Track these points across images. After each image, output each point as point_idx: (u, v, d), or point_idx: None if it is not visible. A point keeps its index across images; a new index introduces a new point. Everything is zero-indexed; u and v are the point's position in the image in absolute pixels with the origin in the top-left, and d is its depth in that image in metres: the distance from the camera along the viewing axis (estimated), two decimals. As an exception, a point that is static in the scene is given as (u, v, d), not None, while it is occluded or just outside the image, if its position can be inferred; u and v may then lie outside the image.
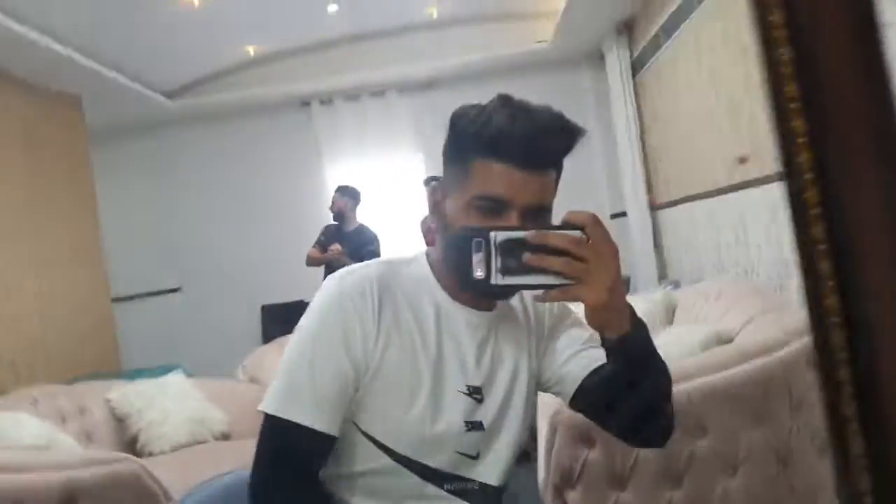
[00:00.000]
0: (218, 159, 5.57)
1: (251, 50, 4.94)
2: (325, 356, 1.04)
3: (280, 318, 5.16)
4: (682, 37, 3.93)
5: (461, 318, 1.11)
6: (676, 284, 4.09)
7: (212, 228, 5.57)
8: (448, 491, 1.10)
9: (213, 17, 4.12)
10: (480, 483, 1.11)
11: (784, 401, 1.93)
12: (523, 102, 1.02)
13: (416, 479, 1.08)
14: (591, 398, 1.10)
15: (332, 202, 4.53)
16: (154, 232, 5.50)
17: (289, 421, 1.02)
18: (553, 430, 1.94)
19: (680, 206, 4.44)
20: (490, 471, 1.12)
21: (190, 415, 2.92)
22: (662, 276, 4.79)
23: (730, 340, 2.27)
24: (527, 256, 0.92)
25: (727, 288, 2.80)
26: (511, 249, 0.93)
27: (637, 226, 4.95)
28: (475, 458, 1.10)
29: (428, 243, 0.97)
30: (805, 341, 1.98)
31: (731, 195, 3.56)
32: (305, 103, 5.56)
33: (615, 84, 4.94)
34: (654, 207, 4.94)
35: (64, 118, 4.34)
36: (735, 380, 1.91)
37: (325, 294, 1.07)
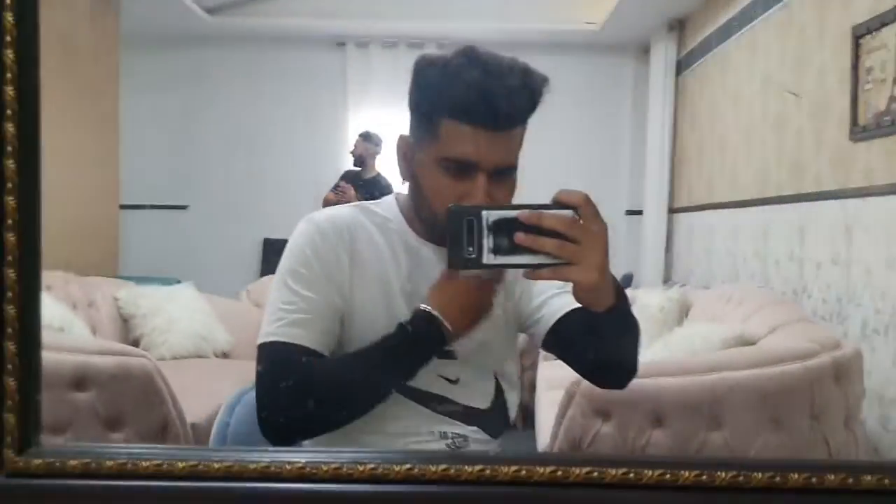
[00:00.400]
0: (246, 85, 5.51)
1: (299, -21, 4.87)
2: (311, 289, 1.08)
3: (279, 254, 5.14)
4: (736, 43, 3.91)
5: (432, 255, 1.14)
6: (682, 286, 4.10)
7: (228, 154, 5.53)
8: (438, 412, 1.15)
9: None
10: (464, 405, 1.17)
11: (805, 411, 1.94)
12: (490, 57, 1.02)
13: (408, 401, 1.13)
14: (563, 342, 1.16)
15: (354, 146, 4.50)
16: (172, 147, 5.45)
17: (287, 342, 1.06)
18: (569, 398, 1.94)
19: (698, 213, 4.45)
20: (471, 394, 1.18)
21: (197, 328, 2.91)
22: (667, 279, 4.80)
23: (753, 343, 2.28)
24: (519, 237, 0.92)
25: (749, 295, 2.81)
26: (503, 229, 0.92)
27: (652, 226, 4.95)
28: (455, 382, 1.16)
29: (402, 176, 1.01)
30: (834, 355, 1.99)
31: (756, 208, 3.57)
32: (341, 43, 5.50)
33: (656, 80, 4.92)
34: (671, 210, 4.94)
35: (101, 23, 4.29)
36: (761, 380, 1.92)
37: (302, 234, 1.12)
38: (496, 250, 0.93)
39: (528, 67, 1.03)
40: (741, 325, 2.48)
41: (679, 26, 4.84)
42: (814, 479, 0.75)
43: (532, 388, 2.94)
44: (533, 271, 0.95)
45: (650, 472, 0.76)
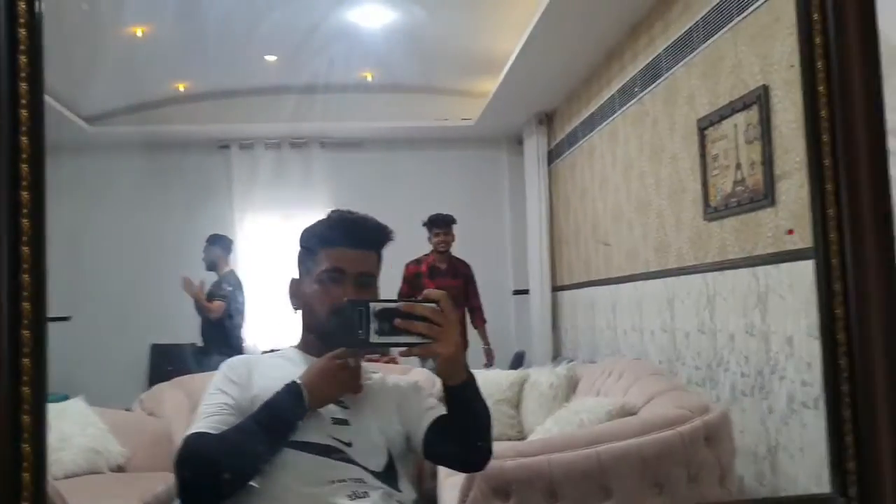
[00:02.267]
0: (129, 192, 5.48)
1: (181, 87, 4.96)
2: (214, 398, 1.44)
3: (168, 359, 5.07)
4: (599, 134, 4.24)
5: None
6: (570, 362, 4.30)
7: (112, 261, 5.44)
8: (336, 459, 1.40)
9: (151, 49, 4.16)
10: (359, 464, 1.41)
11: (682, 473, 2.10)
12: (347, 210, 1.55)
13: (308, 454, 1.39)
14: (435, 443, 1.46)
15: (204, 252, 4.62)
16: (52, 258, 5.30)
17: (195, 431, 1.37)
18: (470, 481, 2.04)
19: (579, 290, 4.70)
20: (364, 457, 1.43)
21: (89, 444, 2.86)
22: (557, 354, 5.01)
23: (633, 413, 2.45)
24: (397, 322, 1.25)
25: (628, 368, 3.00)
26: (385, 316, 1.25)
27: (538, 304, 5.18)
28: (348, 445, 1.42)
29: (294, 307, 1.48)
30: (704, 419, 2.18)
31: (629, 284, 3.83)
32: (224, 146, 5.59)
33: (531, 169, 5.23)
34: (554, 288, 5.19)
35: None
36: (642, 449, 2.07)
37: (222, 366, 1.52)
38: (380, 332, 1.25)
39: (375, 220, 1.55)
40: (623, 396, 2.65)
41: (547, 120, 5.18)
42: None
43: (434, 475, 3.01)
44: (408, 349, 1.27)
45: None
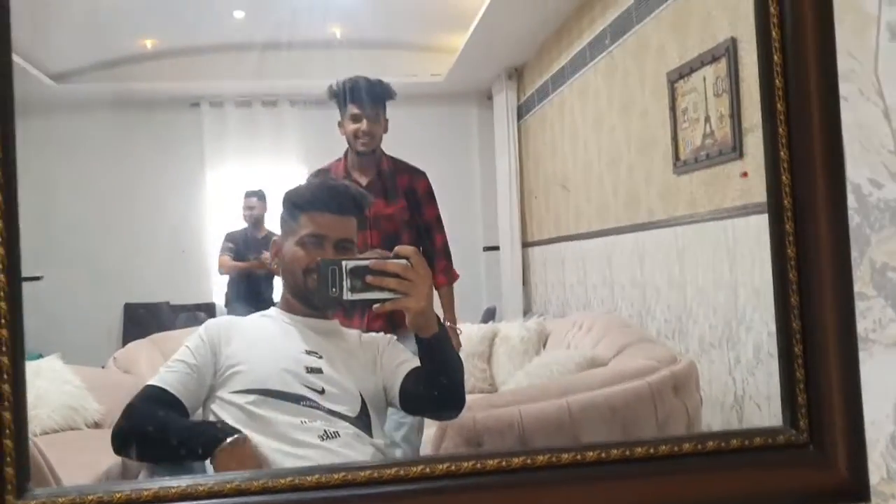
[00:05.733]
0: (99, 150, 5.42)
1: (148, 43, 4.89)
2: (181, 355, 1.59)
3: (141, 318, 5.06)
4: (569, 88, 4.24)
5: (299, 322, 1.63)
6: (541, 317, 4.35)
7: (82, 220, 5.39)
8: (306, 406, 1.51)
9: (117, 4, 4.08)
10: (328, 409, 1.52)
11: (651, 421, 2.17)
12: (329, 177, 1.74)
13: (278, 400, 1.50)
14: (410, 393, 1.56)
15: (252, 207, 4.44)
16: (22, 218, 5.25)
17: (153, 384, 1.53)
18: (442, 432, 2.09)
19: (550, 246, 4.73)
20: (336, 403, 1.53)
21: (66, 401, 2.88)
22: (527, 310, 5.06)
23: (603, 364, 2.50)
24: (369, 278, 1.32)
25: (598, 321, 3.05)
26: (357, 274, 1.32)
27: (508, 261, 5.21)
28: (321, 392, 1.53)
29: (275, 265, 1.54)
30: (672, 369, 2.24)
31: (599, 239, 3.87)
32: (195, 104, 5.52)
33: (500, 125, 5.22)
34: (525, 245, 5.22)
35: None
36: (610, 398, 2.13)
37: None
38: (353, 289, 1.31)
39: (355, 187, 1.74)
40: (592, 349, 2.71)
41: (517, 74, 5.17)
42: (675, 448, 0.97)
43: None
44: (381, 305, 1.34)
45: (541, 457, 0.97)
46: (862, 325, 1.06)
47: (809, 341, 0.99)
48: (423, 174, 2.61)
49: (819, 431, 1.00)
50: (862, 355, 1.04)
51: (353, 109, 2.46)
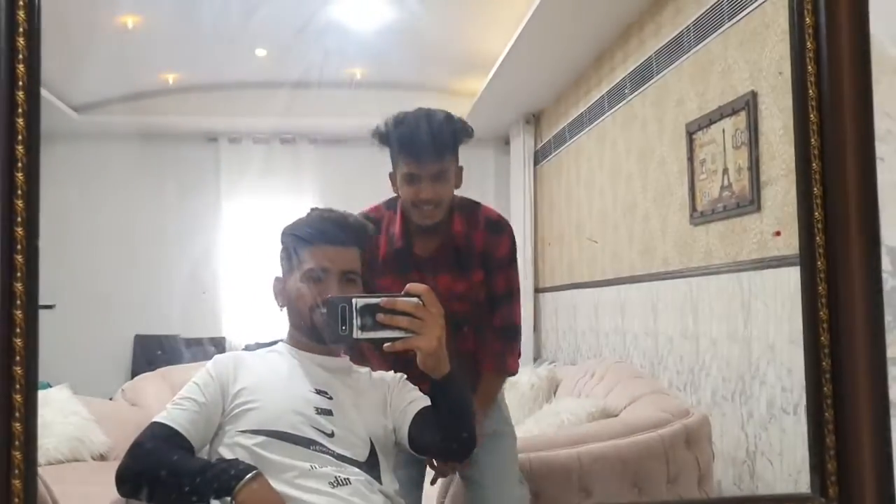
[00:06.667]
0: (116, 180, 5.45)
1: (170, 78, 4.94)
2: (188, 392, 1.52)
3: (152, 349, 5.05)
4: (587, 135, 4.25)
5: (307, 359, 1.58)
6: (552, 364, 4.31)
7: (97, 250, 5.41)
8: (315, 451, 1.45)
9: (141, 40, 4.14)
10: (338, 454, 1.45)
11: (662, 475, 2.13)
12: (327, 208, 1.60)
13: (285, 443, 1.44)
14: (420, 434, 1.51)
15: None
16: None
17: (162, 422, 1.46)
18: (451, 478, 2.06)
19: (562, 292, 4.71)
20: (345, 447, 1.47)
21: (73, 432, 2.87)
22: (537, 356, 5.02)
23: (615, 415, 2.47)
24: (380, 317, 1.28)
25: (610, 370, 3.02)
26: (367, 312, 1.28)
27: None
28: (330, 435, 1.47)
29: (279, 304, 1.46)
30: (684, 422, 2.20)
31: (613, 287, 3.85)
32: (213, 139, 5.56)
33: (517, 170, 5.23)
34: (536, 290, 5.19)
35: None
36: (622, 450, 2.10)
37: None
38: (363, 328, 1.28)
39: (350, 213, 1.63)
40: (604, 398, 2.67)
41: (535, 120, 5.19)
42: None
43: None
44: (391, 344, 1.29)
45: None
46: (894, 391, 1.03)
47: (840, 407, 0.96)
48: (505, 229, 1.95)
49: (849, 501, 0.97)
50: (894, 422, 1.01)
51: (408, 167, 1.78)
